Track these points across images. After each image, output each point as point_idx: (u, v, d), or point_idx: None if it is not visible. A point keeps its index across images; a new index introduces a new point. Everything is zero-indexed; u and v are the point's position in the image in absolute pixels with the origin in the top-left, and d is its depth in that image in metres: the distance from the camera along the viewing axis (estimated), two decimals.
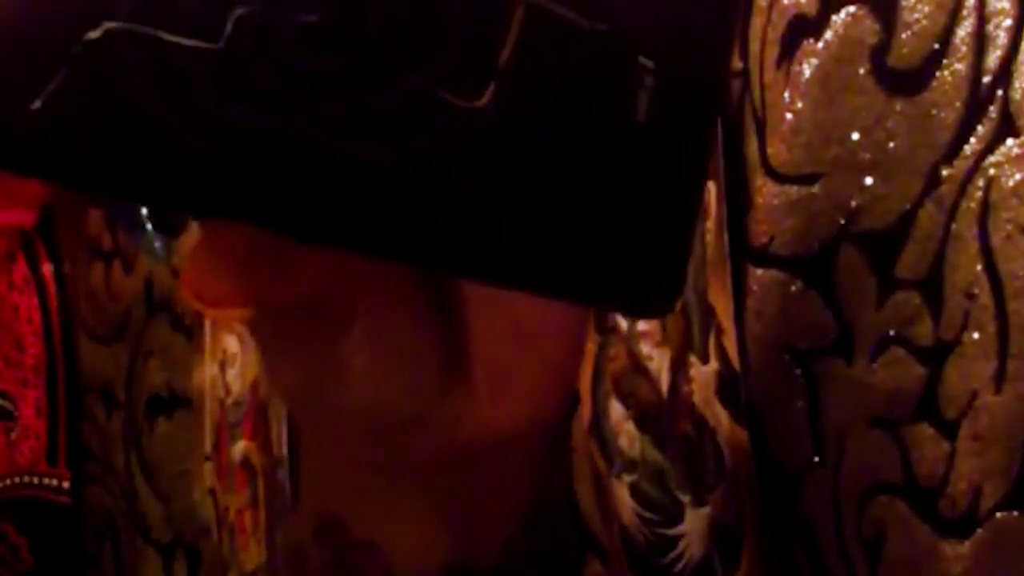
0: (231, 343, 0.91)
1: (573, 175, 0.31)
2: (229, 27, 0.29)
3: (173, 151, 0.29)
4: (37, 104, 0.28)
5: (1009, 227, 0.45)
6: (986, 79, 0.46)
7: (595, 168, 0.31)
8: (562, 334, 0.37)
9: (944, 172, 0.47)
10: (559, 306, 0.35)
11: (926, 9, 0.47)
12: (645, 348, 0.59)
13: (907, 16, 0.48)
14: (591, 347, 0.61)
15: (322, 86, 0.29)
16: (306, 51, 0.29)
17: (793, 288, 0.51)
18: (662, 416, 0.58)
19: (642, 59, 0.31)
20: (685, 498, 0.57)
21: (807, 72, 0.51)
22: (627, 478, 0.60)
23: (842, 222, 0.50)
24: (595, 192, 0.31)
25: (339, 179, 0.30)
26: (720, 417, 0.55)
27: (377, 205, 0.30)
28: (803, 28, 0.51)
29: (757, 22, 0.53)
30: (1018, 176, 0.45)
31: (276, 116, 0.29)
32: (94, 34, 0.28)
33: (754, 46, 0.53)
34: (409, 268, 0.34)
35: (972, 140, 0.46)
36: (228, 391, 0.92)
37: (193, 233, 0.95)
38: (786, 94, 0.51)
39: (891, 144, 0.48)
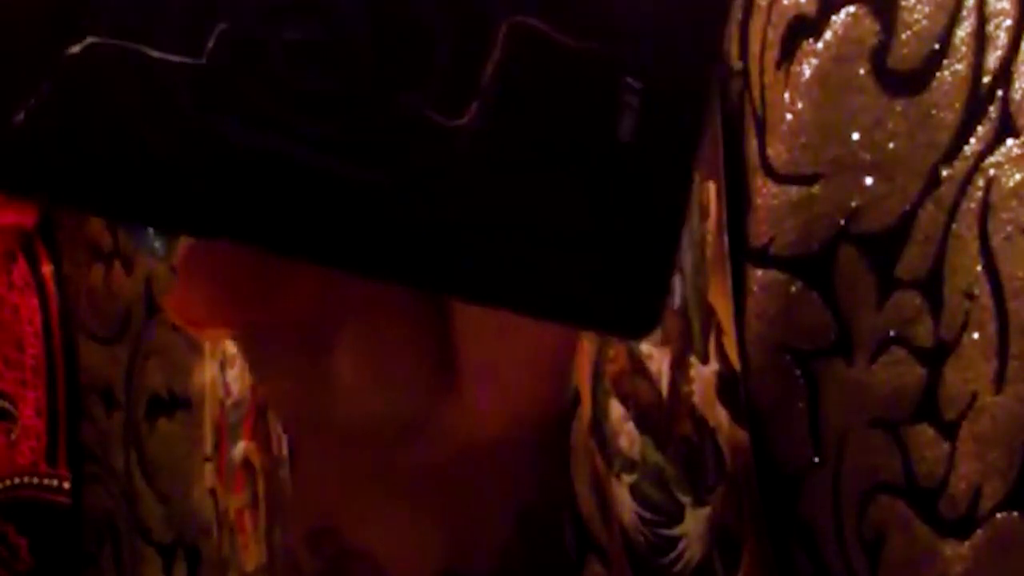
0: (231, 344, 0.91)
1: (555, 195, 0.31)
2: (212, 42, 0.28)
3: (158, 167, 0.29)
4: (19, 118, 0.28)
5: (1009, 227, 0.45)
6: (986, 79, 0.46)
7: (578, 188, 0.31)
8: (552, 333, 0.36)
9: (944, 172, 0.47)
10: None
11: (926, 9, 0.47)
12: (645, 348, 0.59)
13: (907, 16, 0.48)
14: (590, 347, 0.61)
15: (307, 104, 0.29)
16: (291, 68, 0.29)
17: (793, 289, 0.51)
18: (662, 416, 0.58)
19: (628, 79, 0.31)
20: (685, 499, 0.57)
21: (807, 72, 0.51)
22: (627, 478, 0.60)
23: (842, 222, 0.50)
24: (577, 212, 0.31)
25: (324, 197, 0.29)
26: (720, 418, 0.55)
27: (362, 224, 0.30)
28: (803, 28, 0.51)
29: (757, 22, 0.53)
30: (1018, 176, 0.45)
31: (260, 133, 0.29)
32: (76, 48, 0.28)
33: (754, 46, 0.53)
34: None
35: (972, 140, 0.46)
36: (228, 391, 0.92)
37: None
38: (786, 94, 0.51)
39: (891, 144, 0.48)
